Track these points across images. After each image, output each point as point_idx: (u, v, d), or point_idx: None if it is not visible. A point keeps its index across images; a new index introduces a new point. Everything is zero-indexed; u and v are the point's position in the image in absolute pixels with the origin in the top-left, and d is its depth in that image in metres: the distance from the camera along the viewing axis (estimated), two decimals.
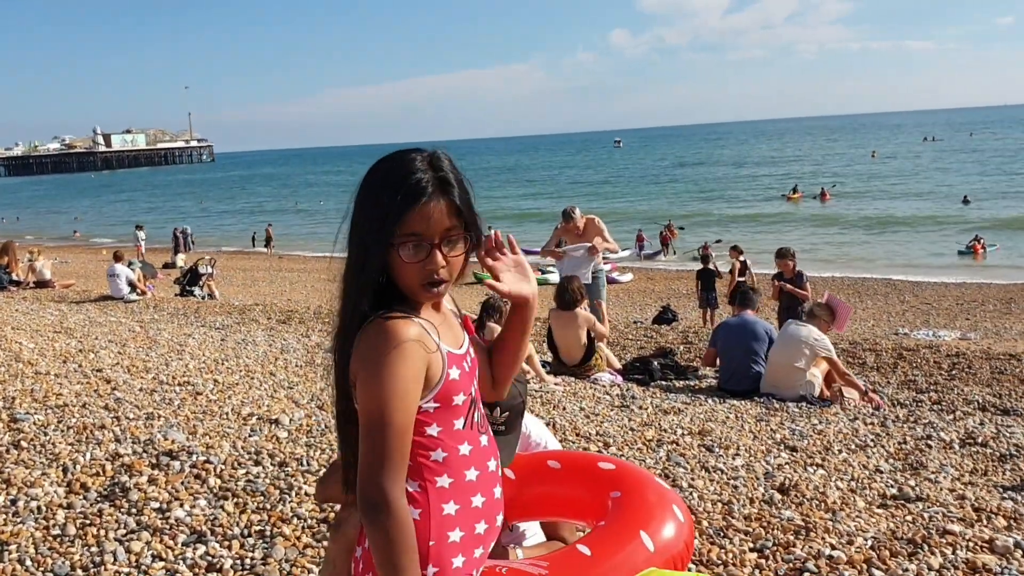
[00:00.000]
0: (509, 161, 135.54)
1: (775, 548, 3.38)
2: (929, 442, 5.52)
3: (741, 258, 16.07)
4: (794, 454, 5.06)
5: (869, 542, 3.46)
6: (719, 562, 3.25)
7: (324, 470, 4.04)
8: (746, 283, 16.18)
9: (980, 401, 7.62)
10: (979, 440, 5.58)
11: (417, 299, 1.74)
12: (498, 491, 1.90)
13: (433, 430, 1.77)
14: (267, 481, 4.01)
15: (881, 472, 4.71)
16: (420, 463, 1.76)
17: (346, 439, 1.84)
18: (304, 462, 4.24)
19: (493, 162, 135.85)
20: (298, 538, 3.51)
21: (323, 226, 45.42)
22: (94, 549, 3.50)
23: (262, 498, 3.85)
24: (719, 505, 3.90)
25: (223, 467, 4.17)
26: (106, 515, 3.77)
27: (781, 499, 4.01)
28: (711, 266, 16.51)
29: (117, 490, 4.00)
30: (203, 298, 17.10)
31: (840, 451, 5.20)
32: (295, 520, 3.65)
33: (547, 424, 5.35)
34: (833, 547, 3.39)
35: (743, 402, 7.28)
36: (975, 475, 4.78)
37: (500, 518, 1.92)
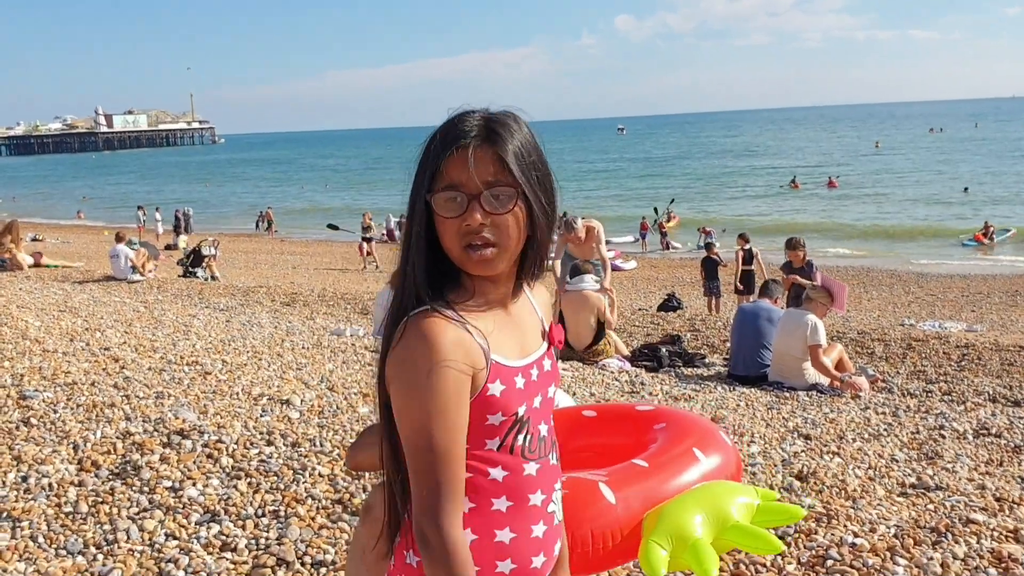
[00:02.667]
0: None
1: (796, 535, 3.34)
2: (942, 432, 5.49)
3: (747, 246, 16.01)
4: (809, 442, 5.02)
5: (892, 530, 3.42)
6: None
7: (355, 438, 4.01)
8: (754, 271, 16.17)
9: (991, 392, 7.59)
10: (993, 431, 5.55)
11: (464, 268, 1.49)
12: (540, 529, 1.59)
13: None
14: (280, 461, 3.97)
15: (897, 461, 4.67)
16: None
17: (389, 441, 1.55)
18: (317, 442, 4.20)
19: None
20: (312, 519, 3.48)
21: (323, 210, 45.37)
22: (107, 527, 3.47)
23: (275, 478, 3.82)
24: None
25: (235, 447, 4.14)
26: (118, 493, 3.74)
27: (800, 486, 3.97)
28: (715, 254, 16.45)
29: (129, 468, 3.96)
30: (206, 280, 17.06)
31: (854, 440, 5.16)
32: (309, 500, 3.61)
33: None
34: (856, 535, 3.35)
35: (752, 390, 7.25)
36: (991, 465, 4.75)
37: (540, 560, 1.60)
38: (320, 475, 3.83)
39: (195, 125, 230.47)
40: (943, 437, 5.36)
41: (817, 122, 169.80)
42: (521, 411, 1.52)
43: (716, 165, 73.24)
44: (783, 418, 5.78)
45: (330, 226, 28.81)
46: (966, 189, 44.16)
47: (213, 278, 17.45)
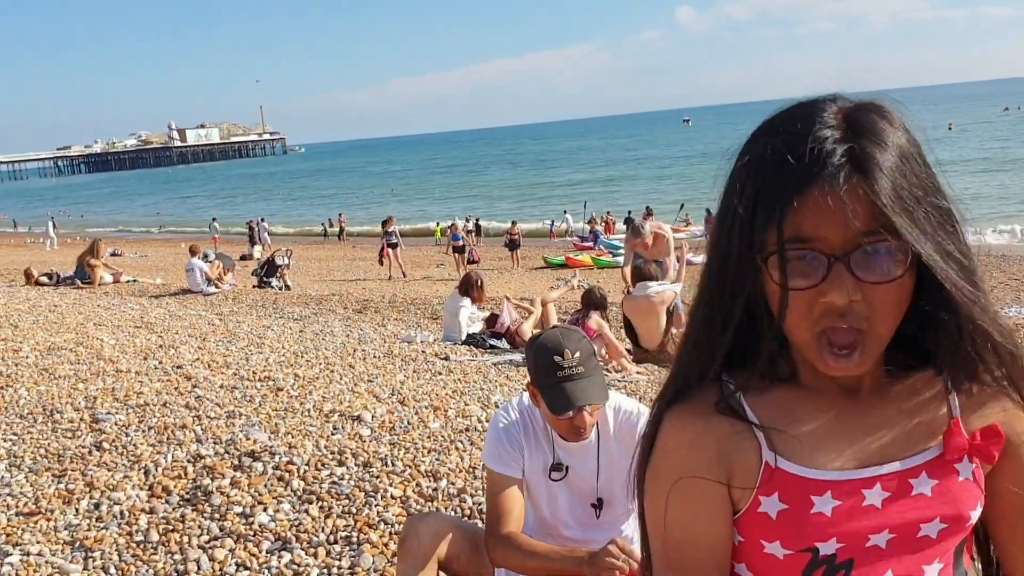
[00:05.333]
0: (580, 143, 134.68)
1: None
2: None
3: None
4: None
5: None
6: None
7: (426, 456, 3.84)
8: None
9: None
10: None
11: (812, 362, 1.01)
12: None
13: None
14: (351, 483, 3.84)
15: None
16: None
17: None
18: (388, 462, 4.05)
19: (563, 144, 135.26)
20: (386, 545, 3.33)
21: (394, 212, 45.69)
22: (177, 556, 3.38)
23: (347, 501, 3.69)
24: None
25: (306, 468, 4.02)
26: (188, 520, 3.64)
27: None
28: None
29: (199, 493, 3.88)
30: (280, 289, 17.22)
31: None
32: (382, 525, 3.47)
33: None
34: None
35: None
36: None
37: None
38: (392, 497, 3.69)
39: (266, 136, 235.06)
40: None
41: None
42: (826, 547, 1.02)
43: None
44: None
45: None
46: None
47: (287, 287, 17.61)
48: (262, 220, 34.92)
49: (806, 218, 0.94)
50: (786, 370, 1.08)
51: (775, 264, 0.96)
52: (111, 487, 3.97)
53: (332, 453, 4.19)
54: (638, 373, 7.36)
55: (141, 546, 3.48)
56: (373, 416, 4.79)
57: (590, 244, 29.05)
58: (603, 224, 33.08)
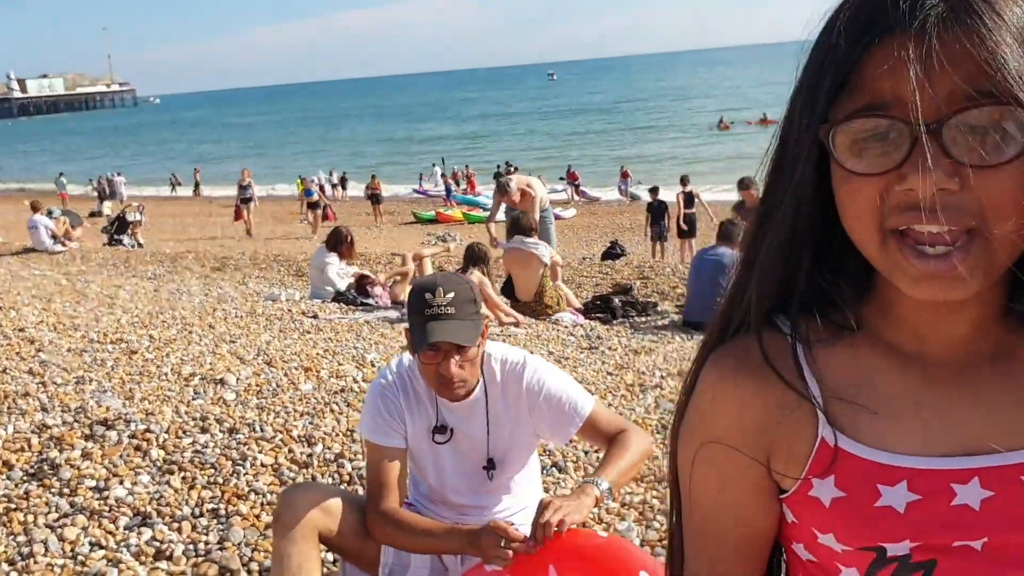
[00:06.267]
0: (439, 97, 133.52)
1: None
2: None
3: (687, 188, 15.83)
4: None
5: None
6: None
7: (299, 420, 3.61)
8: (695, 213, 16.02)
9: None
10: None
11: (889, 277, 0.74)
12: None
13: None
14: (217, 451, 3.57)
15: None
16: None
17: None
18: (257, 427, 3.80)
19: (421, 97, 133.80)
20: (257, 516, 3.10)
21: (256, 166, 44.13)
22: (21, 538, 3.06)
23: (212, 471, 3.42)
24: None
25: (166, 436, 3.72)
26: (34, 497, 3.32)
27: None
28: (660, 199, 16.25)
29: (46, 467, 3.53)
30: (132, 247, 16.36)
31: None
32: (252, 496, 3.23)
33: None
34: None
35: None
36: None
37: None
38: (263, 465, 3.44)
39: (115, 88, 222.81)
40: None
41: (748, 61, 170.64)
42: (896, 548, 0.77)
43: (650, 108, 73.27)
44: None
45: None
46: None
47: (139, 245, 16.76)
48: (118, 174, 33.11)
49: (885, 76, 0.69)
50: (865, 318, 0.83)
51: (839, 140, 0.71)
52: None
53: (194, 419, 3.90)
54: (516, 327, 7.30)
55: None
56: (238, 379, 4.50)
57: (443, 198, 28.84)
58: (466, 179, 32.92)
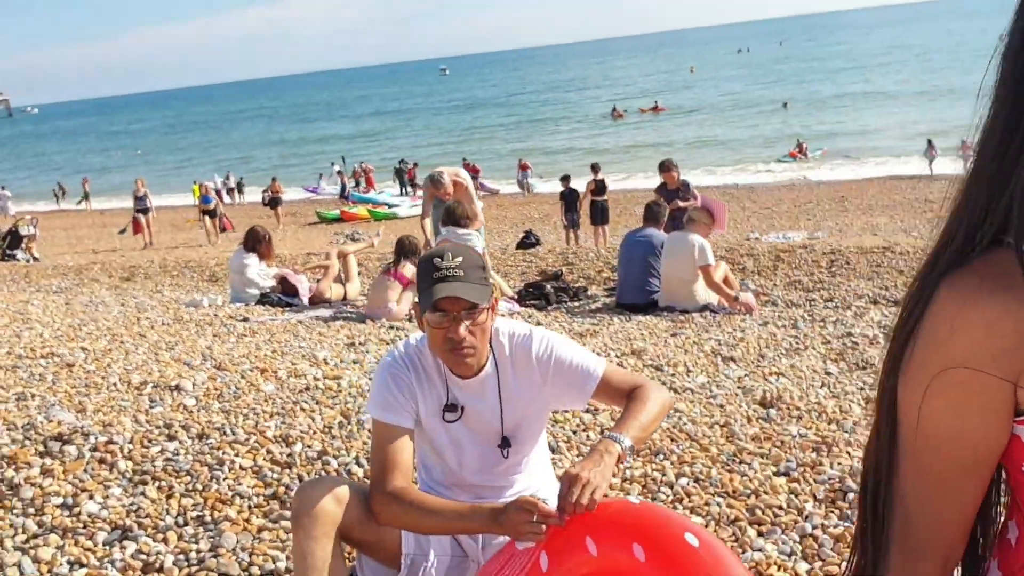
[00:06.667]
0: (330, 95, 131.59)
1: (801, 469, 3.11)
2: (853, 340, 5.47)
3: (598, 176, 16.00)
4: (738, 365, 4.87)
5: None
6: (747, 491, 2.95)
7: (267, 421, 3.48)
8: (606, 201, 16.21)
9: (870, 295, 7.75)
10: None
11: None
12: None
13: None
14: (189, 458, 3.43)
15: (831, 374, 4.58)
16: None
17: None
18: (227, 431, 3.66)
19: (313, 97, 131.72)
20: (247, 520, 2.99)
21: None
22: None
23: (189, 478, 3.29)
24: (717, 428, 3.61)
25: (131, 447, 3.55)
26: None
27: (778, 414, 3.77)
28: (572, 187, 16.38)
29: (3, 487, 3.33)
30: (28, 261, 15.65)
31: (776, 357, 5.06)
32: (237, 500, 3.12)
33: None
34: (862, 460, 3.15)
35: (647, 317, 7.12)
36: None
37: None
38: (242, 468, 3.33)
39: None
40: (856, 344, 5.34)
41: (634, 52, 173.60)
42: None
43: (545, 100, 73.84)
44: (695, 343, 5.64)
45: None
46: (785, 104, 46.22)
47: (34, 259, 16.04)
48: (2, 188, 31.57)
49: None
50: None
51: None
52: None
53: (157, 428, 3.73)
54: None
55: None
56: (194, 384, 4.33)
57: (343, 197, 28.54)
58: (364, 176, 32.60)
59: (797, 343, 5.45)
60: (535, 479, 2.50)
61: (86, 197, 35.18)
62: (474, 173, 30.94)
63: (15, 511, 3.18)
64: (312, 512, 2.15)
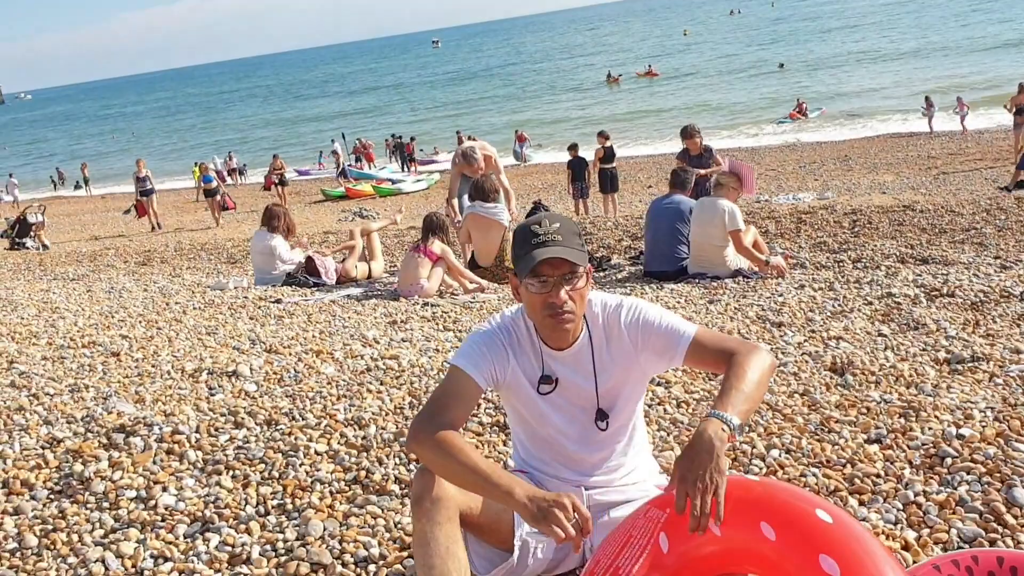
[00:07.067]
0: (322, 72, 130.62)
1: (893, 435, 3.06)
2: (896, 300, 5.39)
3: (607, 143, 15.88)
4: (793, 331, 4.80)
5: (989, 414, 3.18)
6: (841, 461, 2.90)
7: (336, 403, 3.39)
8: (615, 168, 16.09)
9: (897, 255, 7.67)
10: (944, 291, 5.48)
11: None
12: None
13: None
14: (261, 445, 3.39)
15: (884, 335, 4.52)
16: None
17: None
18: (296, 416, 3.61)
19: (304, 75, 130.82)
20: (331, 507, 2.94)
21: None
22: (72, 559, 2.82)
23: (263, 466, 3.24)
24: (796, 397, 3.55)
25: (198, 436, 3.51)
26: (70, 515, 3.08)
27: (856, 381, 3.71)
28: (580, 155, 16.26)
29: (73, 482, 3.29)
30: (38, 249, 15.56)
31: (826, 320, 5.00)
32: (318, 486, 3.07)
33: None
34: (955, 424, 3.09)
35: (679, 285, 7.05)
36: (979, 328, 4.63)
37: None
38: (317, 453, 3.28)
39: None
40: (899, 304, 5.27)
41: (625, 17, 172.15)
42: None
43: (540, 69, 73.32)
44: (736, 309, 5.58)
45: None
46: (781, 65, 45.90)
47: (44, 247, 15.94)
48: (10, 176, 31.42)
49: None
50: None
51: None
52: None
53: (222, 415, 3.68)
54: (483, 292, 7.21)
55: (17, 554, 2.90)
56: (251, 369, 4.27)
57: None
58: (364, 152, 32.46)
59: (839, 305, 5.38)
60: (631, 453, 2.45)
61: (86, 182, 35.03)
62: None
63: (89, 506, 3.13)
64: (434, 495, 2.09)
